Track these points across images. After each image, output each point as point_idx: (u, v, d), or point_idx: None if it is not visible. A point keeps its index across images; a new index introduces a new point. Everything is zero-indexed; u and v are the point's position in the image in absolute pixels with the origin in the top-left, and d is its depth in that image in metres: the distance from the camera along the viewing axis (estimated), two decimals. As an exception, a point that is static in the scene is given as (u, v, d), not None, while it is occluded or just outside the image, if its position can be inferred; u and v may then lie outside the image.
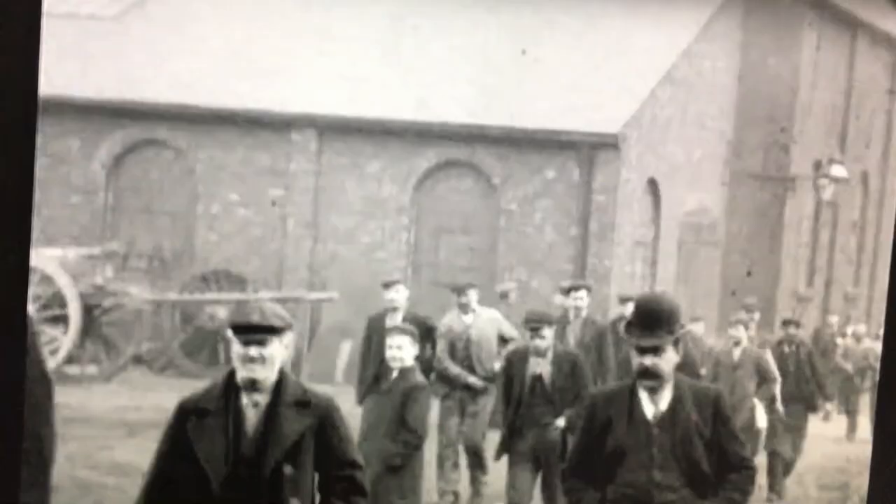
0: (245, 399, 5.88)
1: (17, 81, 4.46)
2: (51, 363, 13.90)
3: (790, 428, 12.58)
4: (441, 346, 11.59)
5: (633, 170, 16.28)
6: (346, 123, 15.73)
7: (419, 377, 9.28)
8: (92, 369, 14.46)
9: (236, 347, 5.77)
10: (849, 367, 14.96)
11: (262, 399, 5.86)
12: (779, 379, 12.39)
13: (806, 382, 12.72)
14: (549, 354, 9.81)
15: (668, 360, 6.03)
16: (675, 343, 6.03)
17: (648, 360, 5.99)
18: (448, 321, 11.79)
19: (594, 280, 15.94)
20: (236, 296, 15.23)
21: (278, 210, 15.87)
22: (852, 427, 14.70)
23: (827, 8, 17.60)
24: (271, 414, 5.85)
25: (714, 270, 17.48)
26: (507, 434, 9.86)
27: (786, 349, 12.84)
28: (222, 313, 15.12)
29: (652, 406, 6.08)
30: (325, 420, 5.88)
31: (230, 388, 5.88)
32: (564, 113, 15.85)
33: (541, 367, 9.80)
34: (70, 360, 14.18)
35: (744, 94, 17.50)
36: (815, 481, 12.52)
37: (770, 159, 17.51)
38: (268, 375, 5.83)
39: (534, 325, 9.87)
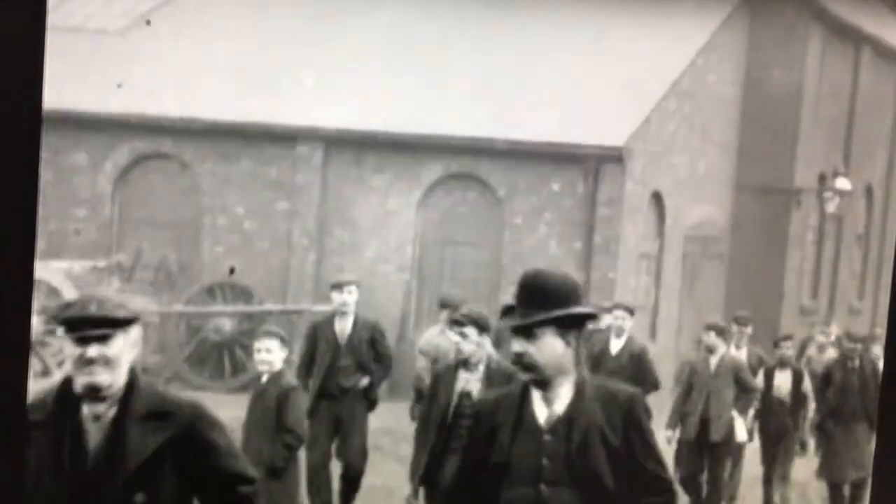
0: (85, 410, 4.80)
1: (21, 95, 4.50)
2: (57, 374, 13.93)
3: (851, 449, 11.72)
4: (422, 364, 11.04)
5: (637, 183, 16.30)
6: (352, 136, 15.76)
7: (291, 379, 9.19)
8: (97, 381, 14.46)
9: (69, 347, 4.79)
10: None
11: (107, 410, 4.77)
12: (759, 389, 11.88)
13: (872, 399, 11.57)
14: (481, 368, 8.50)
15: (545, 349, 4.92)
16: (564, 330, 4.89)
17: (518, 346, 4.94)
18: (432, 338, 11.35)
19: (600, 292, 15.98)
20: (242, 308, 15.26)
21: (284, 223, 15.90)
22: None
23: (831, 21, 17.62)
24: (118, 428, 4.74)
25: (719, 283, 17.49)
26: (429, 463, 8.55)
27: (849, 364, 11.95)
28: (228, 326, 15.16)
29: (545, 409, 5.02)
30: (189, 432, 4.77)
31: (66, 398, 4.83)
32: (569, 126, 15.86)
33: (470, 383, 8.49)
34: (76, 371, 14.18)
35: (748, 107, 17.52)
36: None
37: (775, 172, 17.53)
38: (112, 380, 4.77)
39: (458, 325, 8.59)
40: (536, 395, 5.05)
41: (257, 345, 9.15)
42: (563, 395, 5.02)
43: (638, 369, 11.47)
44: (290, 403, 8.95)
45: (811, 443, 12.44)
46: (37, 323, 13.55)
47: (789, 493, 12.30)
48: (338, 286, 10.77)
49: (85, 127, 15.48)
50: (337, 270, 15.83)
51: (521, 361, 4.98)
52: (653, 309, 17.03)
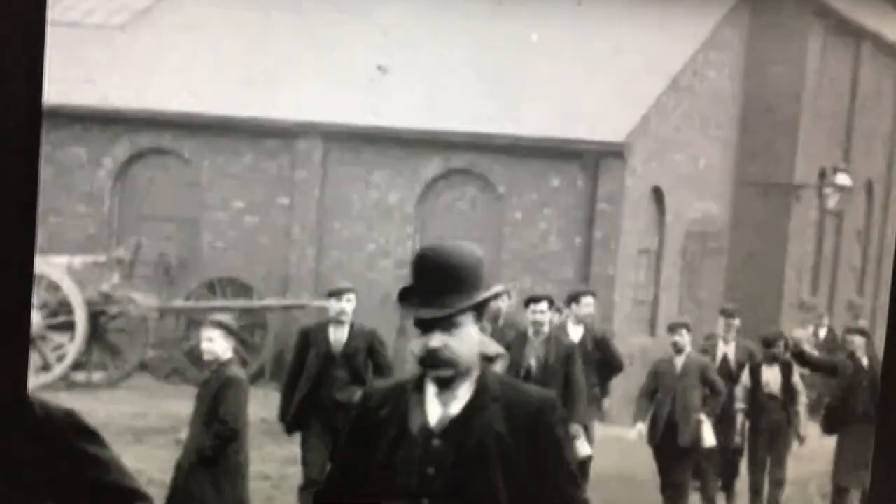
0: None
1: (21, 90, 4.50)
2: (57, 370, 13.97)
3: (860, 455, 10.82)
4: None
5: (637, 178, 16.31)
6: (352, 132, 15.77)
7: (236, 370, 8.82)
8: (98, 376, 14.50)
9: None
10: None
11: None
12: (725, 392, 11.17)
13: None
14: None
15: (467, 340, 4.13)
16: (478, 314, 4.16)
17: (436, 341, 4.06)
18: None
19: (599, 287, 15.97)
20: (242, 303, 15.27)
21: (284, 218, 15.91)
22: None
23: (832, 17, 17.62)
24: None
25: (718, 278, 17.49)
26: None
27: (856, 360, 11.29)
28: (228, 320, 15.15)
29: (439, 408, 4.18)
30: (66, 447, 4.00)
31: None
32: (569, 122, 15.87)
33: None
34: (77, 366, 14.22)
35: (749, 103, 17.52)
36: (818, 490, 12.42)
37: (775, 167, 17.53)
38: None
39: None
40: (431, 391, 4.20)
41: (202, 333, 8.91)
42: (462, 395, 4.20)
43: (604, 354, 11.11)
44: (228, 394, 8.71)
45: (810, 435, 11.89)
46: (37, 318, 13.58)
47: (781, 496, 11.83)
48: (336, 294, 10.00)
49: (85, 122, 15.49)
50: (336, 265, 15.86)
51: (437, 357, 4.10)
52: (652, 304, 17.04)
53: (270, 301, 15.46)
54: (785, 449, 11.83)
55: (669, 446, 10.97)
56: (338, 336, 9.83)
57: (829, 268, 18.41)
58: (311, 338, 9.81)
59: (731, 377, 11.77)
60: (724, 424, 11.45)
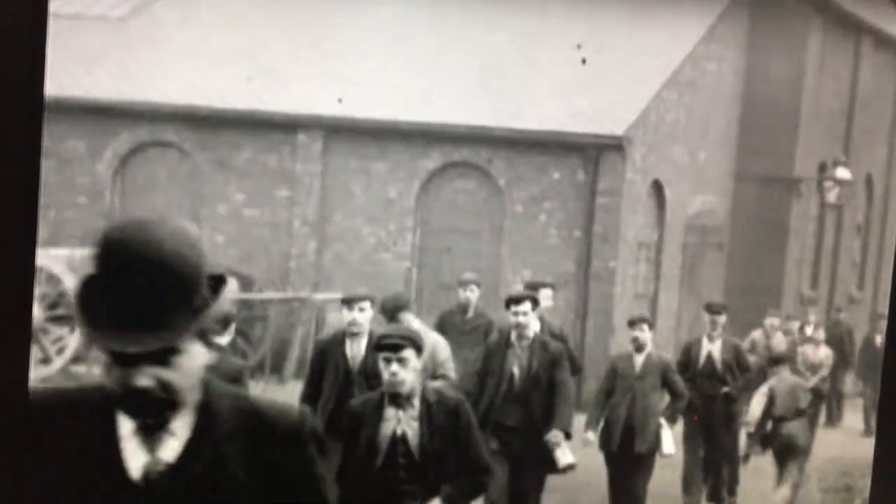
0: None
1: (22, 83, 4.50)
2: (58, 362, 13.97)
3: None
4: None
5: (637, 172, 16.29)
6: (352, 125, 15.75)
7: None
8: (98, 369, 14.49)
9: None
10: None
11: None
12: (688, 395, 10.39)
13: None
14: (416, 404, 6.86)
15: (187, 370, 2.94)
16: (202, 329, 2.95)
17: (146, 378, 2.81)
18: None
19: (599, 281, 15.99)
20: (242, 295, 15.26)
21: (284, 211, 15.91)
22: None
23: (832, 11, 17.62)
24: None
25: (718, 273, 17.50)
26: None
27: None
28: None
29: (143, 456, 3.00)
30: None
31: None
32: (570, 115, 15.87)
33: (402, 424, 6.86)
34: (77, 359, 14.21)
35: (749, 97, 17.51)
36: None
37: (775, 161, 17.52)
38: None
39: (384, 350, 6.83)
40: (132, 443, 3.02)
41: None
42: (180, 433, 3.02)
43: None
44: None
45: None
46: (37, 311, 13.58)
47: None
48: (348, 302, 9.02)
49: (85, 115, 15.48)
50: (336, 259, 15.87)
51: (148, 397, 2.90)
52: (652, 298, 17.03)
53: (270, 294, 15.46)
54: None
55: (625, 453, 10.21)
56: (354, 350, 8.92)
57: (829, 262, 18.41)
58: (326, 354, 8.95)
59: (717, 377, 11.13)
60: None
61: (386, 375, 6.82)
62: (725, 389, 11.15)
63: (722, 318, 11.32)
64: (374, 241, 15.98)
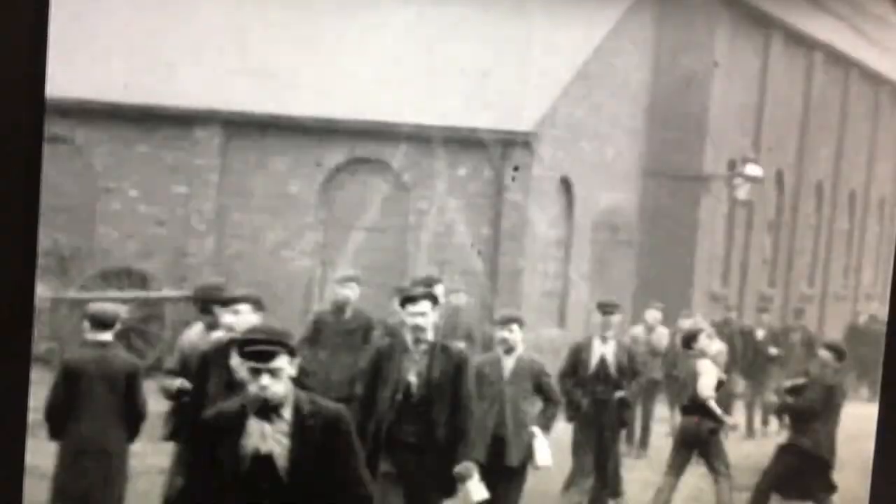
0: None
1: (22, 82, 4.63)
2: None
3: None
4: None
5: (545, 168, 16.14)
6: (252, 119, 15.48)
7: None
8: None
9: None
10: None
11: None
12: (562, 402, 9.88)
13: None
14: (286, 415, 5.76)
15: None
16: None
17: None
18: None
19: (508, 279, 15.82)
20: (138, 294, 14.97)
21: (182, 207, 15.60)
22: None
23: (740, 6, 17.54)
24: None
25: (628, 270, 17.36)
26: None
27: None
28: (123, 312, 14.86)
29: None
30: None
31: None
32: (476, 111, 15.68)
33: (268, 440, 5.77)
34: None
35: (657, 92, 17.40)
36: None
37: (684, 158, 17.42)
38: None
39: (251, 358, 5.73)
40: None
41: None
42: None
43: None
44: None
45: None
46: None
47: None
48: (225, 303, 8.97)
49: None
50: (237, 256, 15.59)
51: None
52: (562, 295, 16.89)
53: (168, 292, 15.16)
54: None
55: (495, 467, 9.35)
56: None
57: (740, 259, 18.32)
58: (211, 361, 8.66)
59: (611, 382, 10.62)
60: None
61: (253, 389, 5.66)
62: (620, 394, 10.66)
63: (616, 318, 10.97)
64: (276, 239, 15.70)
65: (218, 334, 8.95)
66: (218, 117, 15.48)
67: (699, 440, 10.87)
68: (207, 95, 15.39)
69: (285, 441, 5.65)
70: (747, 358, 13.81)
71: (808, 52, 18.32)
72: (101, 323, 10.42)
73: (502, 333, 9.60)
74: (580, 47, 16.45)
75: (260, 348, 5.64)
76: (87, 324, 10.62)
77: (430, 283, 10.77)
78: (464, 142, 15.74)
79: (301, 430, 5.67)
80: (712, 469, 10.89)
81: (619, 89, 17.09)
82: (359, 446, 6.06)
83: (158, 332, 15.05)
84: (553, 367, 11.31)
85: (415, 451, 8.18)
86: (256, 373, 5.64)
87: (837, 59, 18.57)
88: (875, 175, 19.26)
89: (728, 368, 13.32)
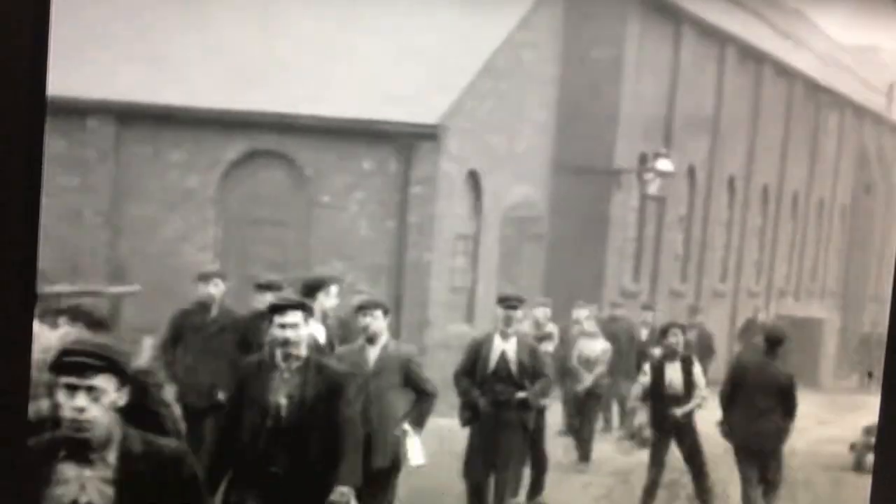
0: None
1: (23, 82, 4.57)
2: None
3: None
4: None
5: (453, 161, 15.89)
6: (147, 110, 15.10)
7: None
8: None
9: None
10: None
11: None
12: (437, 394, 8.90)
13: None
14: (110, 458, 4.60)
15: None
16: None
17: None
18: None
19: (414, 274, 15.57)
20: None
21: (75, 200, 15.18)
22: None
23: (651, -1, 17.36)
24: None
25: (538, 265, 17.15)
26: None
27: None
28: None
29: None
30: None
31: None
32: (381, 103, 15.40)
33: (87, 490, 4.59)
34: None
35: (567, 86, 17.16)
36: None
37: (595, 152, 17.20)
38: None
39: (68, 372, 4.65)
40: None
41: None
42: None
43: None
44: None
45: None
46: None
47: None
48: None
49: None
50: (131, 250, 15.24)
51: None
52: (470, 290, 16.65)
53: (61, 287, 14.76)
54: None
55: (361, 469, 7.87)
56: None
57: (651, 254, 18.14)
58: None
59: (512, 381, 9.93)
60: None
61: (67, 413, 4.52)
62: (521, 395, 9.96)
63: (518, 314, 10.12)
64: (173, 233, 15.35)
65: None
66: (111, 108, 15.08)
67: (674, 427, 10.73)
68: (100, 86, 14.99)
69: (109, 491, 4.52)
70: (630, 359, 13.55)
71: (721, 46, 18.15)
72: None
73: (364, 320, 8.67)
74: (488, 40, 16.19)
75: (75, 359, 4.56)
76: None
77: (318, 285, 9.30)
78: (368, 134, 15.46)
79: (130, 475, 4.53)
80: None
81: (529, 82, 16.84)
82: (205, 494, 5.10)
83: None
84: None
85: (284, 482, 6.96)
86: (71, 390, 4.49)
87: (751, 53, 18.42)
88: (788, 170, 19.15)
89: (611, 368, 13.05)
